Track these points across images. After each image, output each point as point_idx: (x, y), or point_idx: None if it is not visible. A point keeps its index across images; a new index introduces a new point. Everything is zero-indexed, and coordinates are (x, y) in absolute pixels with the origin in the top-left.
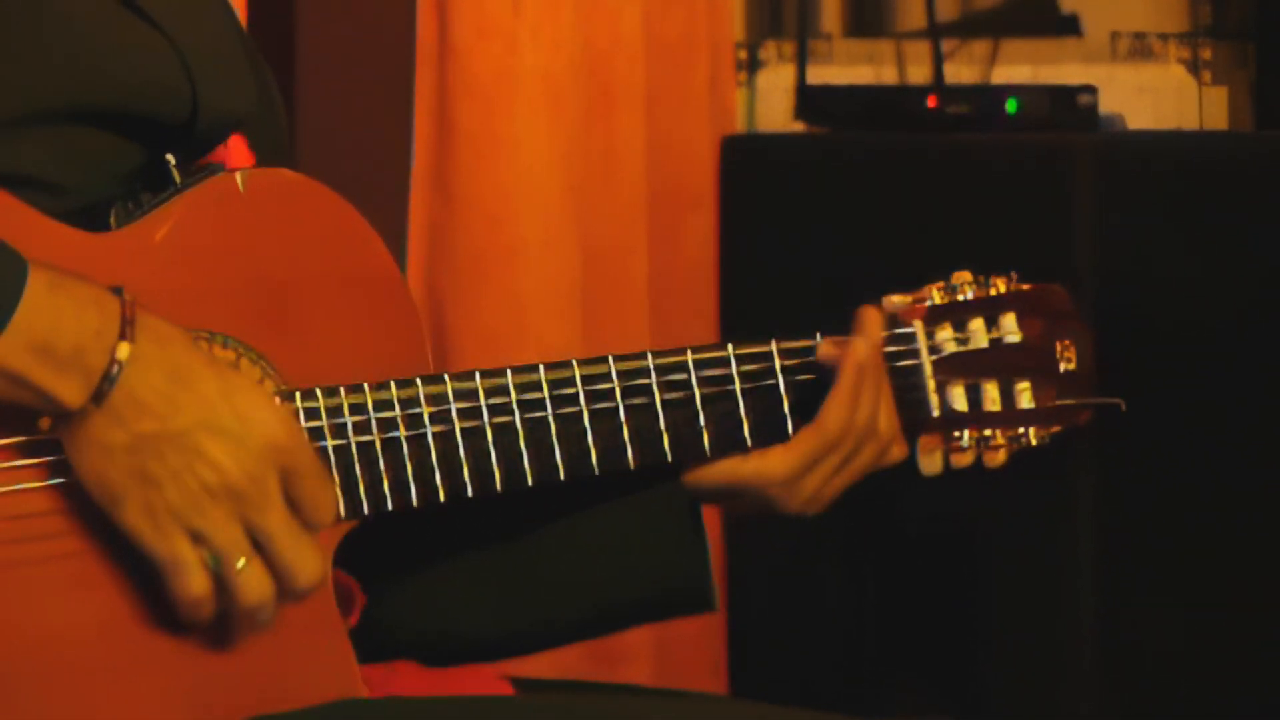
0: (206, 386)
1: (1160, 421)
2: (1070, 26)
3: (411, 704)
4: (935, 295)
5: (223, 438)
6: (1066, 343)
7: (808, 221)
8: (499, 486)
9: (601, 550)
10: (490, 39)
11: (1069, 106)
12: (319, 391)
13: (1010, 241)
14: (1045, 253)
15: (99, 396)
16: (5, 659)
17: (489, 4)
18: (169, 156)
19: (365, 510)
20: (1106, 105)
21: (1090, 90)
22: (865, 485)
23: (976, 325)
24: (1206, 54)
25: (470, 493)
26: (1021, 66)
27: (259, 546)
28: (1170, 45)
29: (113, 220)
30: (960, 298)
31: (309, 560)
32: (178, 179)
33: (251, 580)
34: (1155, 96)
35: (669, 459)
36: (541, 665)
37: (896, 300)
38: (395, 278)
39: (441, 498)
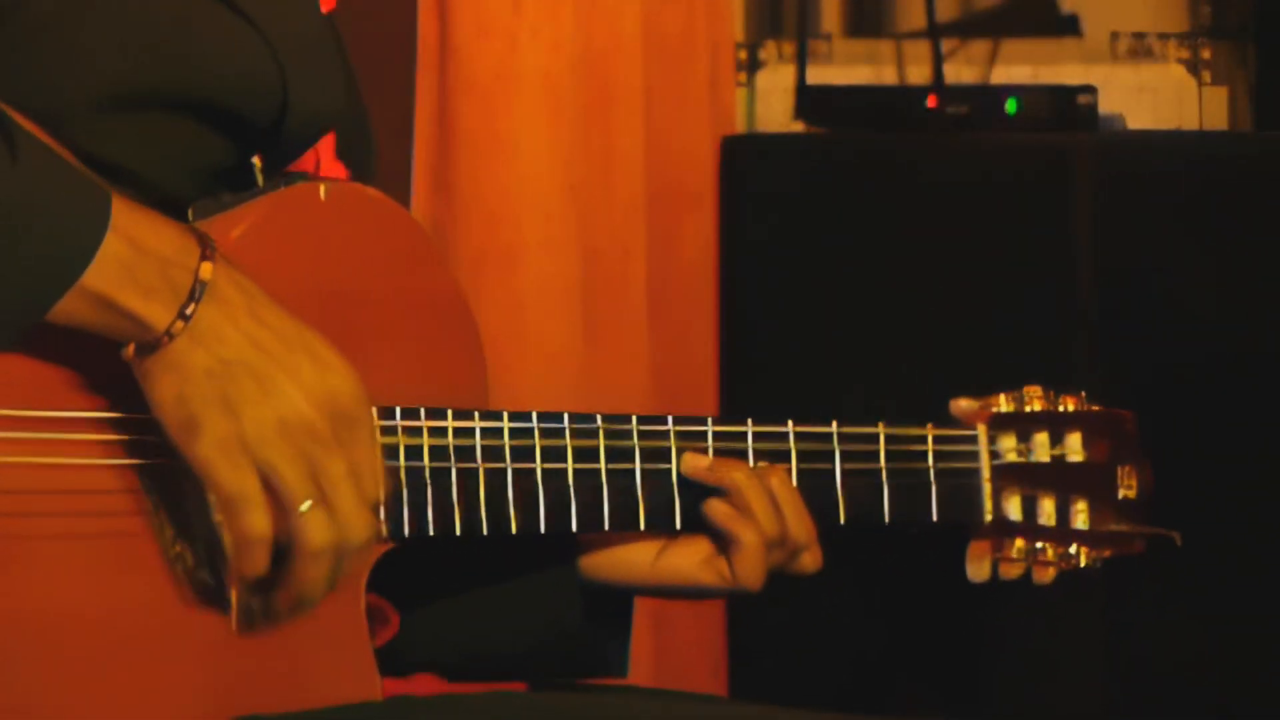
0: (285, 325)
1: (1160, 422)
2: (1070, 26)
3: (417, 701)
4: (1003, 403)
5: (300, 375)
6: (1129, 469)
7: (808, 221)
8: (541, 527)
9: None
10: (491, 39)
11: (1069, 106)
12: (422, 411)
13: (1010, 242)
14: (1045, 253)
15: (185, 314)
16: (29, 635)
17: (489, 4)
18: (255, 160)
19: (406, 532)
20: (1106, 105)
21: (1090, 90)
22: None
23: (1041, 439)
24: (1206, 54)
25: (512, 529)
26: (1021, 66)
27: (320, 488)
28: (1170, 45)
29: (191, 215)
30: (1028, 408)
31: (366, 515)
32: (260, 182)
33: (316, 522)
34: (1155, 96)
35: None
36: None
37: (965, 405)
38: (461, 305)
39: (484, 530)
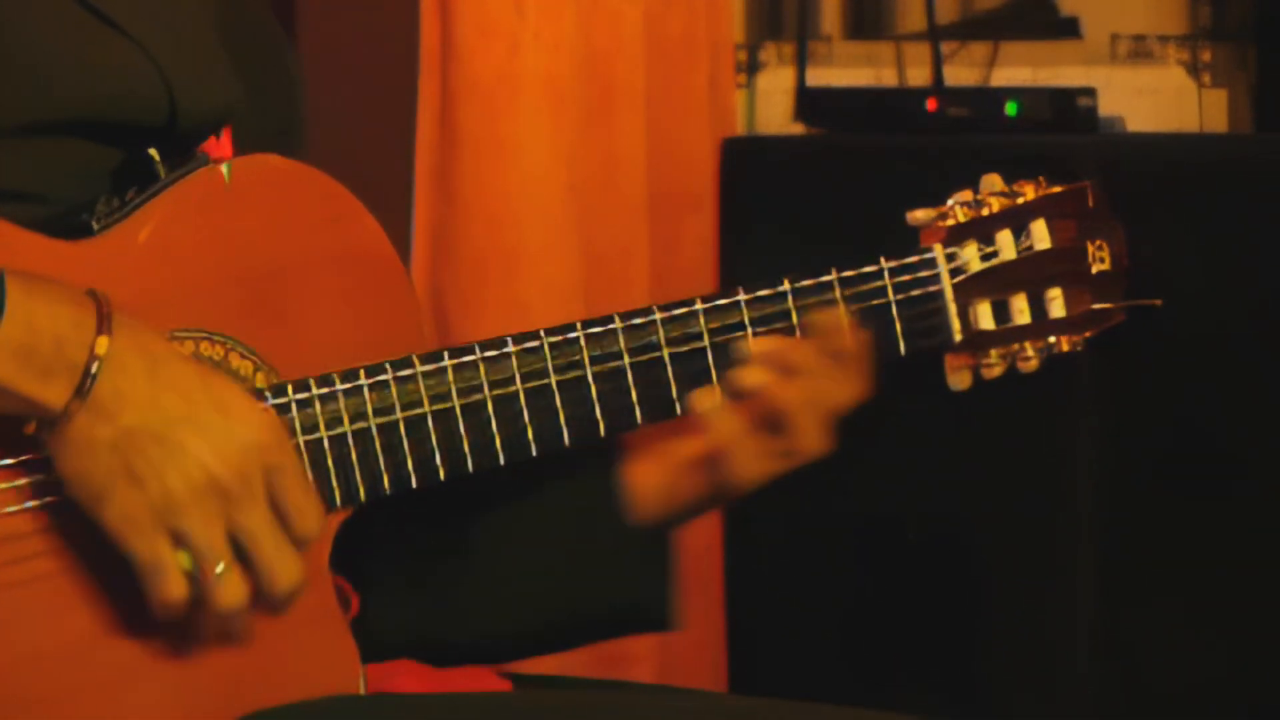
0: (189, 382)
1: (1160, 423)
2: (1070, 29)
3: (407, 700)
4: (959, 213)
5: (207, 434)
6: (1099, 242)
7: (807, 223)
8: (501, 459)
9: (568, 560)
10: (492, 41)
11: (1069, 109)
12: (312, 382)
13: None
14: None
15: (82, 392)
16: (2, 684)
17: (491, 6)
18: (152, 151)
19: (362, 496)
20: (1106, 107)
21: (1090, 92)
22: (869, 485)
23: (1004, 237)
24: (1206, 56)
25: (470, 468)
26: (1021, 69)
27: (240, 549)
28: (1170, 47)
29: (94, 223)
30: (985, 212)
31: (291, 564)
32: (162, 173)
33: (229, 586)
34: (1155, 98)
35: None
36: (543, 664)
37: (921, 215)
38: (389, 255)
39: (442, 477)
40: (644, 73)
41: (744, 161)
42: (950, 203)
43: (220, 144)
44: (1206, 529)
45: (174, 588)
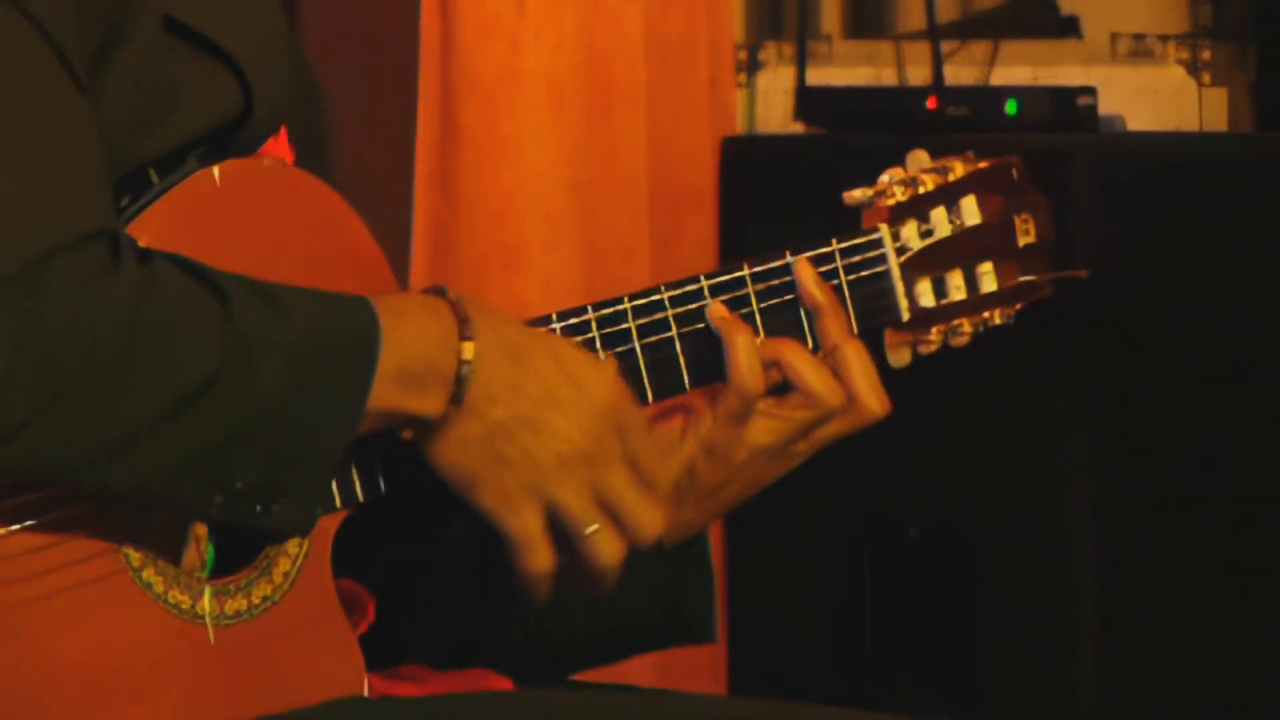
0: (542, 362)
1: (1160, 422)
2: (1070, 28)
3: (409, 702)
4: (898, 191)
5: (566, 409)
6: (1025, 216)
7: (808, 222)
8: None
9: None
10: (493, 40)
11: (1069, 108)
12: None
13: None
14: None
15: (457, 400)
16: (13, 698)
17: (492, 5)
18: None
19: (339, 502)
20: (1106, 106)
21: (1090, 91)
22: (868, 485)
23: (939, 214)
24: (1206, 55)
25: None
26: (1021, 68)
27: (605, 506)
28: (1170, 46)
29: None
30: (921, 190)
31: (653, 510)
32: (155, 179)
33: (606, 543)
34: (1155, 98)
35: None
36: None
37: (859, 195)
38: (376, 257)
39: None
40: (644, 72)
41: (744, 161)
42: (885, 179)
43: (279, 142)
44: (1208, 529)
45: (544, 559)
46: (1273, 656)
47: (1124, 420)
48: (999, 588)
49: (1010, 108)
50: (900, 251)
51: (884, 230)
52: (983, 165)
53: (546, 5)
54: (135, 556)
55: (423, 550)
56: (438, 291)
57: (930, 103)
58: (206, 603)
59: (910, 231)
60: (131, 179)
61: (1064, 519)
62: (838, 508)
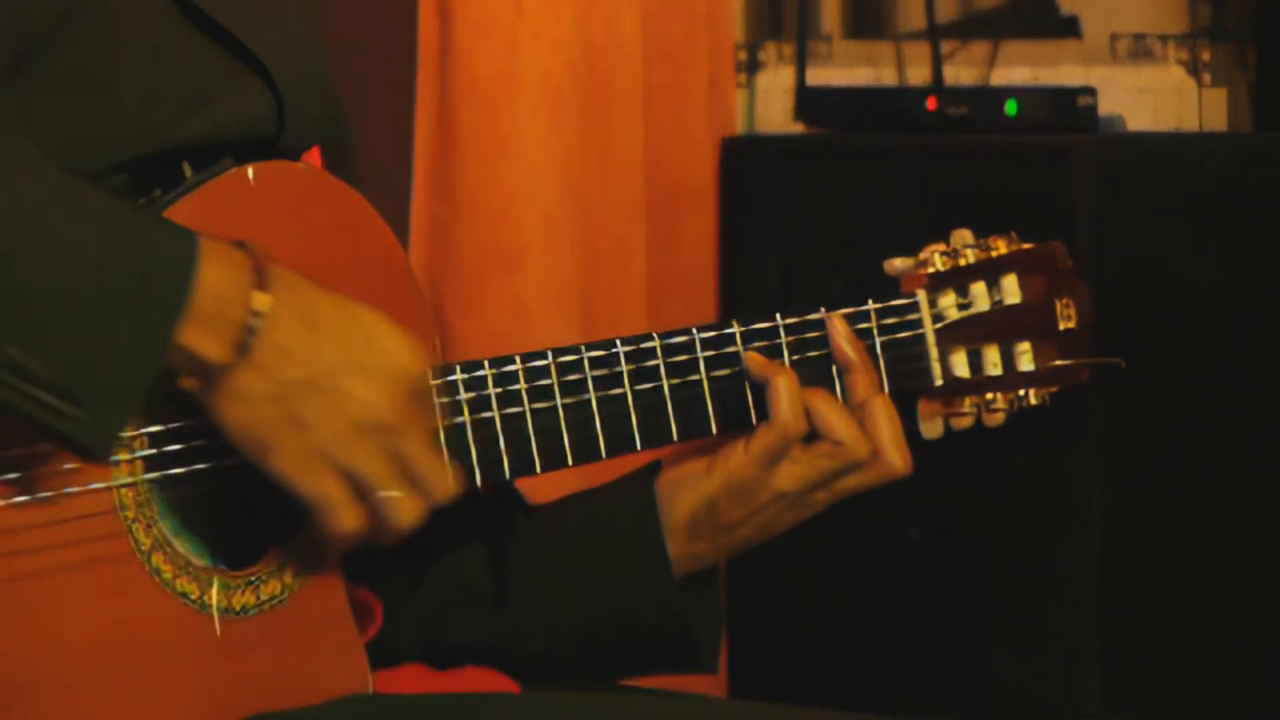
0: (342, 326)
1: (1161, 422)
2: (1070, 28)
3: (411, 700)
4: (938, 261)
5: (366, 374)
6: (1066, 300)
7: (807, 223)
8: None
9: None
10: (491, 39)
11: (1069, 108)
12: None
13: None
14: None
15: (243, 349)
16: (17, 669)
17: (490, 4)
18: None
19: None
20: (1106, 107)
21: (1090, 92)
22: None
23: (978, 289)
24: (1206, 55)
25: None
26: (1021, 68)
27: (403, 472)
28: (1170, 46)
29: None
30: (962, 262)
31: (448, 474)
32: (189, 174)
33: (405, 507)
34: (1155, 98)
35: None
36: None
37: (899, 264)
38: (401, 263)
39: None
40: (643, 72)
41: (744, 161)
42: (927, 251)
43: (310, 151)
44: (1212, 529)
45: (349, 519)
46: (1275, 658)
47: (1125, 420)
48: (1002, 590)
49: (1010, 108)
50: (937, 319)
51: (922, 296)
52: (1026, 246)
53: (545, 5)
54: (145, 541)
55: (429, 555)
56: (240, 245)
57: (930, 103)
58: (214, 594)
59: (948, 301)
60: (165, 171)
61: (1066, 520)
62: (840, 510)
